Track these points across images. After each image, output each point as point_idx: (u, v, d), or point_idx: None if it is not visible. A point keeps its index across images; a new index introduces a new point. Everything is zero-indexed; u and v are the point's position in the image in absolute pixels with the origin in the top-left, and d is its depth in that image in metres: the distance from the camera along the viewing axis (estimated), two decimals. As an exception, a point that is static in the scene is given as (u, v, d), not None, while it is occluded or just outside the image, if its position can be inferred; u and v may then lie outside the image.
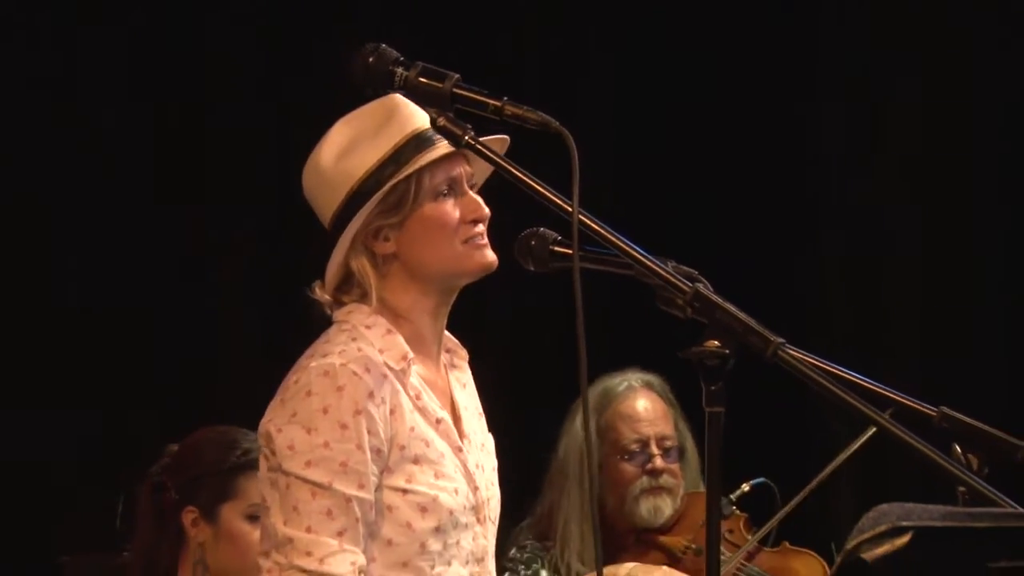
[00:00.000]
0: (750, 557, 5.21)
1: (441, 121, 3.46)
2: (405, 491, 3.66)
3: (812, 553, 5.30)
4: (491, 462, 3.83)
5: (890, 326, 6.45)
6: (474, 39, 6.67)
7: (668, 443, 5.35)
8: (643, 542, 5.34)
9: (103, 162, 6.85)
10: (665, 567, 5.04)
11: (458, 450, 3.74)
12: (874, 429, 4.76)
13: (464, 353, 3.87)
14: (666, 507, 5.32)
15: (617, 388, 5.36)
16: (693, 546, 5.22)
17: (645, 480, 5.33)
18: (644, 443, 5.35)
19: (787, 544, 5.31)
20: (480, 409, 3.86)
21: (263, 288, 6.42)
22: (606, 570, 4.85)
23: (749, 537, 5.20)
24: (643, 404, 5.37)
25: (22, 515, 6.40)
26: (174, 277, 6.68)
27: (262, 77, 6.87)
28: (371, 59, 3.45)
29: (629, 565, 5.01)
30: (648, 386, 5.38)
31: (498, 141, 3.56)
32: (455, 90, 3.42)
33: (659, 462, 5.33)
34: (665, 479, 5.33)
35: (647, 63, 6.75)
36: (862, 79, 6.77)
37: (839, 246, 6.64)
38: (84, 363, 6.63)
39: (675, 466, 5.35)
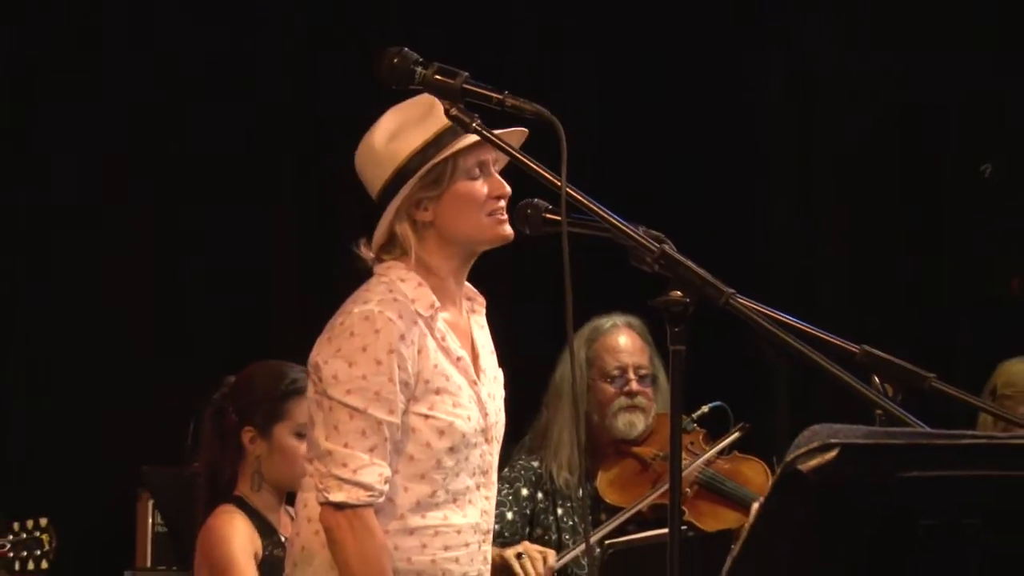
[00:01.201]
0: (707, 463, 5.24)
1: (453, 111, 3.44)
2: (427, 417, 3.69)
3: (757, 459, 5.34)
4: (500, 392, 3.85)
5: (823, 282, 6.43)
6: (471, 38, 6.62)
7: (643, 371, 5.37)
8: (620, 452, 5.35)
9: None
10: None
11: (473, 383, 3.76)
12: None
13: (482, 301, 3.89)
14: (639, 423, 5.34)
15: (604, 326, 5.38)
16: (661, 454, 5.24)
17: (623, 400, 5.35)
18: (623, 370, 5.37)
19: (737, 453, 5.34)
20: (493, 348, 3.87)
21: (312, 247, 6.40)
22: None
23: (707, 448, 5.22)
24: (624, 339, 5.39)
25: (109, 432, 6.39)
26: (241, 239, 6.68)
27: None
28: (396, 59, 3.43)
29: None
30: (629, 325, 5.40)
31: (517, 133, 3.58)
32: (464, 86, 3.41)
33: (635, 385, 5.35)
34: (639, 399, 5.35)
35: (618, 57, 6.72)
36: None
37: (781, 213, 6.61)
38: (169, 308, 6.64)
39: (648, 390, 5.37)
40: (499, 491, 5.12)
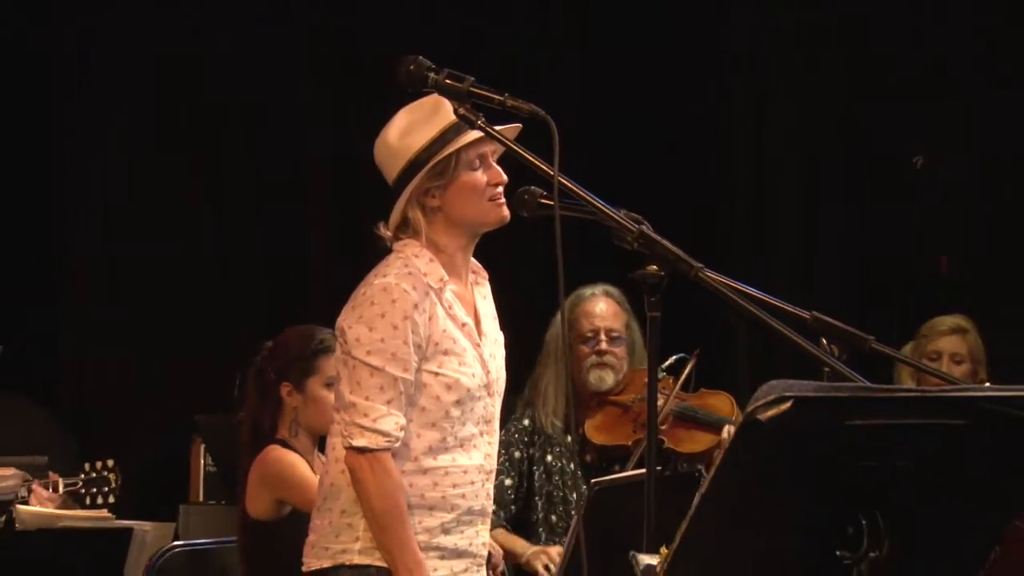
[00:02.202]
0: (681, 399, 5.25)
1: (461, 111, 3.44)
2: (436, 374, 3.69)
3: (723, 392, 5.36)
4: (501, 352, 3.85)
5: (780, 260, 6.43)
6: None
7: (614, 334, 5.36)
8: (602, 402, 5.35)
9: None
10: (553, 548, 5.10)
11: (476, 345, 3.76)
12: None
13: (485, 274, 3.89)
14: (608, 378, 5.34)
15: (585, 294, 5.39)
16: (639, 398, 5.25)
17: (594, 358, 5.34)
18: (596, 332, 5.36)
19: (704, 389, 5.35)
20: (495, 314, 3.87)
21: (342, 227, 6.39)
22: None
23: (675, 388, 5.23)
24: (601, 306, 5.39)
25: (167, 385, 6.39)
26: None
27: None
28: (411, 67, 3.43)
29: (529, 551, 5.08)
30: (607, 293, 5.39)
31: (513, 128, 3.57)
32: (471, 89, 3.40)
33: (604, 345, 5.35)
34: (607, 358, 5.35)
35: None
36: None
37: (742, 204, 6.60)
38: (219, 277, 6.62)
39: (617, 350, 5.36)
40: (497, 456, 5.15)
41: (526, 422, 5.34)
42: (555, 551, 5.09)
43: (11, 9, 6.54)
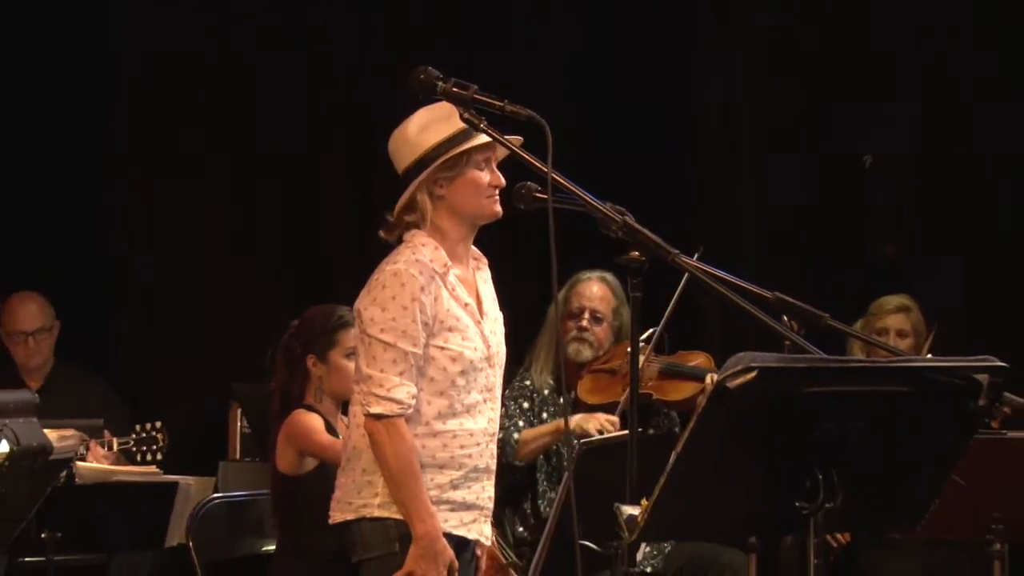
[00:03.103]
0: (664, 360, 5.27)
1: (466, 115, 3.44)
2: (442, 348, 3.69)
3: (701, 352, 5.36)
4: (501, 329, 3.83)
5: (746, 245, 6.41)
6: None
7: (598, 314, 5.36)
8: (592, 371, 5.36)
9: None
10: (600, 414, 5.10)
11: (478, 322, 3.76)
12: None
13: (485, 261, 3.87)
14: (584, 351, 5.35)
15: (582, 277, 5.39)
16: (625, 362, 5.26)
17: (575, 332, 5.36)
18: (581, 310, 5.36)
19: (681, 351, 5.36)
20: (495, 296, 3.86)
21: (357, 220, 6.37)
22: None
23: (650, 353, 5.21)
24: (592, 288, 5.38)
25: (208, 356, 6.38)
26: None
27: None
28: (422, 76, 3.43)
29: (577, 417, 5.08)
30: (602, 279, 5.39)
31: (516, 140, 3.55)
32: (475, 96, 3.41)
33: (584, 323, 5.35)
34: (586, 334, 5.35)
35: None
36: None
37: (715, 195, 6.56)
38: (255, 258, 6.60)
39: (598, 329, 5.36)
40: (509, 407, 5.16)
41: (527, 382, 5.35)
42: (603, 416, 5.10)
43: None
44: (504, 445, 5.16)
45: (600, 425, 5.05)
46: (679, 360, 5.30)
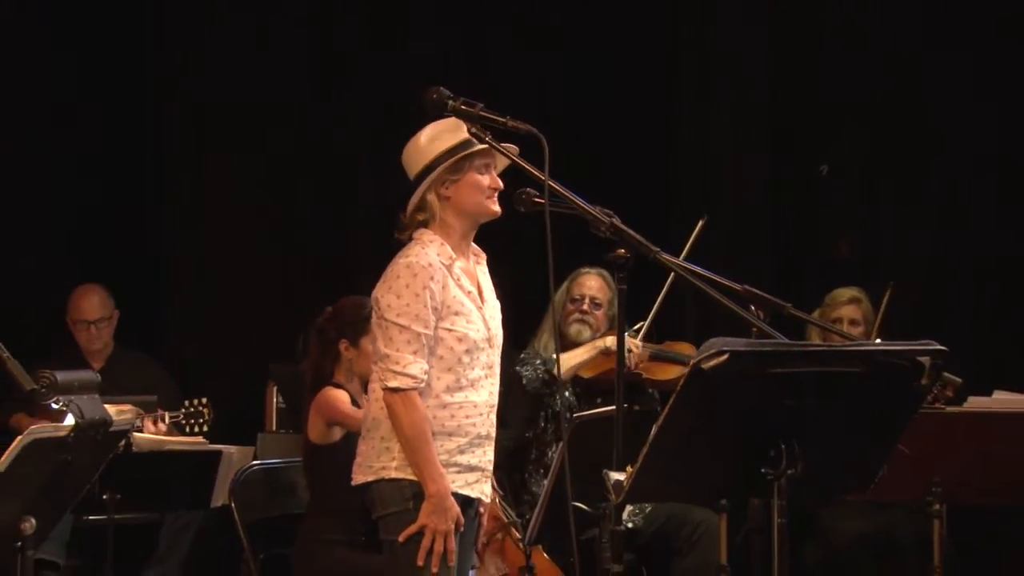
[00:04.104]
0: (654, 347, 5.27)
1: (473, 129, 3.48)
2: (449, 330, 3.68)
3: (686, 342, 5.36)
4: (498, 315, 3.82)
5: (719, 244, 6.39)
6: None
7: (597, 301, 5.36)
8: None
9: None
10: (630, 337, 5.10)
11: (479, 308, 3.74)
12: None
13: (483, 256, 3.85)
14: (585, 332, 5.34)
15: (583, 270, 5.39)
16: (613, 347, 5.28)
17: (577, 315, 5.35)
18: (583, 297, 5.35)
19: (668, 340, 5.35)
20: (492, 286, 3.83)
21: (379, 219, 6.33)
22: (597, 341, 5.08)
23: (637, 341, 5.20)
24: (591, 281, 5.38)
25: (249, 339, 6.37)
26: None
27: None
28: (435, 96, 3.44)
29: (609, 339, 5.04)
30: (600, 274, 5.38)
31: (514, 150, 3.55)
32: (480, 113, 3.43)
33: (586, 307, 5.35)
34: (587, 317, 5.34)
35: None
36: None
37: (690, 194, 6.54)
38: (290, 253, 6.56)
39: (597, 313, 5.35)
40: (533, 360, 5.10)
41: (535, 347, 5.32)
42: (632, 340, 5.10)
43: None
44: (548, 364, 5.15)
45: (630, 347, 5.03)
46: (666, 348, 5.32)
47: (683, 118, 6.44)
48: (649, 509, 5.23)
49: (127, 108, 6.40)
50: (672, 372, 5.22)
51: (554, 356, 5.27)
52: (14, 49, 6.24)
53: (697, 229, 5.27)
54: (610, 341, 5.06)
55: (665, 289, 4.93)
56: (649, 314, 5.17)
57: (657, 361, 5.27)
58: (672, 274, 3.22)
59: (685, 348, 5.31)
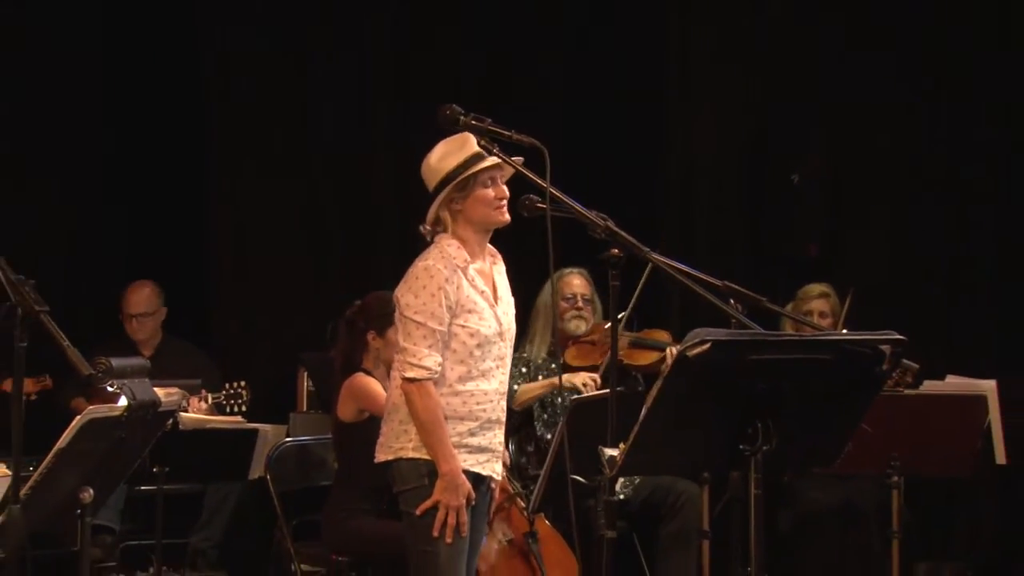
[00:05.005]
0: (633, 335, 5.25)
1: (482, 143, 3.44)
2: (463, 326, 3.65)
3: (661, 329, 5.34)
4: (512, 311, 3.79)
5: (702, 244, 6.37)
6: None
7: (586, 297, 5.34)
8: (578, 343, 5.33)
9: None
10: (584, 373, 5.07)
11: (492, 306, 3.72)
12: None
13: (499, 257, 3.82)
14: (583, 325, 5.32)
15: (565, 272, 5.36)
16: (600, 335, 5.25)
17: (573, 312, 5.34)
18: (575, 295, 5.34)
19: (646, 328, 5.34)
20: (507, 284, 3.81)
21: (401, 222, 6.32)
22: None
23: (622, 330, 5.18)
24: (576, 279, 5.37)
25: (283, 329, 6.36)
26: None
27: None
28: (447, 112, 3.41)
29: (567, 375, 5.03)
30: (580, 272, 5.37)
31: (518, 160, 3.53)
32: (489, 127, 3.40)
33: (579, 303, 5.34)
34: (582, 312, 5.33)
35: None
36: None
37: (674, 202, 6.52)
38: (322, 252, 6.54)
39: (587, 307, 5.35)
40: (511, 371, 5.11)
41: (524, 354, 5.32)
42: (586, 375, 5.07)
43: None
44: (531, 365, 5.18)
45: (584, 381, 5.04)
46: (644, 335, 5.30)
47: (671, 125, 6.41)
48: (638, 481, 5.22)
49: (178, 111, 6.36)
50: (651, 357, 5.20)
51: (541, 356, 5.28)
52: (70, 51, 6.19)
53: (627, 312, 5.09)
54: (567, 380, 5.00)
55: (643, 280, 4.89)
56: (630, 304, 5.15)
57: (636, 348, 5.26)
58: (649, 266, 3.19)
59: (661, 335, 5.30)
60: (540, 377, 5.29)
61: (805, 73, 6.17)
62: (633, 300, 5.05)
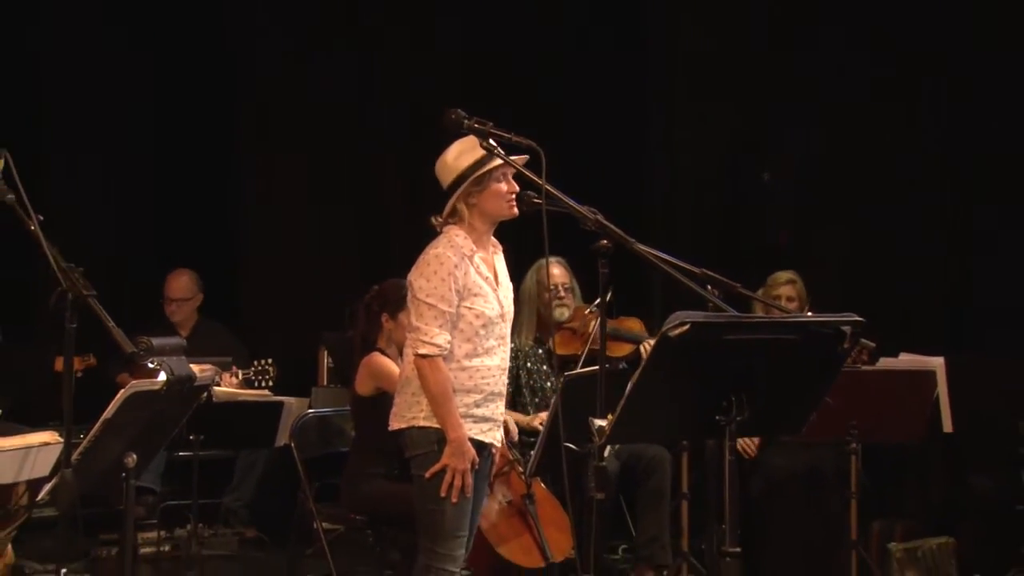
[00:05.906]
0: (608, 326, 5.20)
1: (484, 144, 3.42)
2: (469, 308, 3.63)
3: (635, 318, 5.31)
4: (510, 295, 3.78)
5: (682, 234, 6.36)
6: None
7: (566, 286, 5.25)
8: (561, 329, 5.29)
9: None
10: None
11: (494, 290, 3.70)
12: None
13: (500, 247, 3.79)
14: (565, 312, 5.25)
15: (542, 263, 5.24)
16: (580, 323, 5.22)
17: (557, 300, 5.27)
18: (557, 285, 5.29)
19: (622, 317, 5.31)
20: (506, 271, 3.80)
21: (413, 214, 6.28)
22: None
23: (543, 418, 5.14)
24: (555, 269, 5.29)
25: (306, 312, 6.35)
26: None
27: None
28: (453, 116, 3.39)
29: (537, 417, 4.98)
30: (559, 262, 5.32)
31: (521, 159, 3.51)
32: (491, 130, 3.39)
33: (561, 292, 5.28)
34: (564, 300, 5.28)
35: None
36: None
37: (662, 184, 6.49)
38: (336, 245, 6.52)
39: (568, 295, 5.28)
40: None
41: (512, 344, 5.25)
42: (544, 415, 5.05)
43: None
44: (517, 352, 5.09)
45: (542, 422, 4.91)
46: (619, 325, 5.24)
47: (654, 129, 6.39)
48: (616, 448, 5.22)
49: (213, 109, 6.37)
50: (625, 349, 5.12)
51: (528, 343, 5.23)
52: (119, 54, 6.21)
53: (607, 296, 5.02)
54: (536, 421, 4.95)
55: (604, 280, 4.83)
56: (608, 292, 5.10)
57: (612, 340, 5.18)
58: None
59: (634, 325, 5.25)
60: (529, 364, 5.24)
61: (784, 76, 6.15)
62: (609, 288, 5.03)
